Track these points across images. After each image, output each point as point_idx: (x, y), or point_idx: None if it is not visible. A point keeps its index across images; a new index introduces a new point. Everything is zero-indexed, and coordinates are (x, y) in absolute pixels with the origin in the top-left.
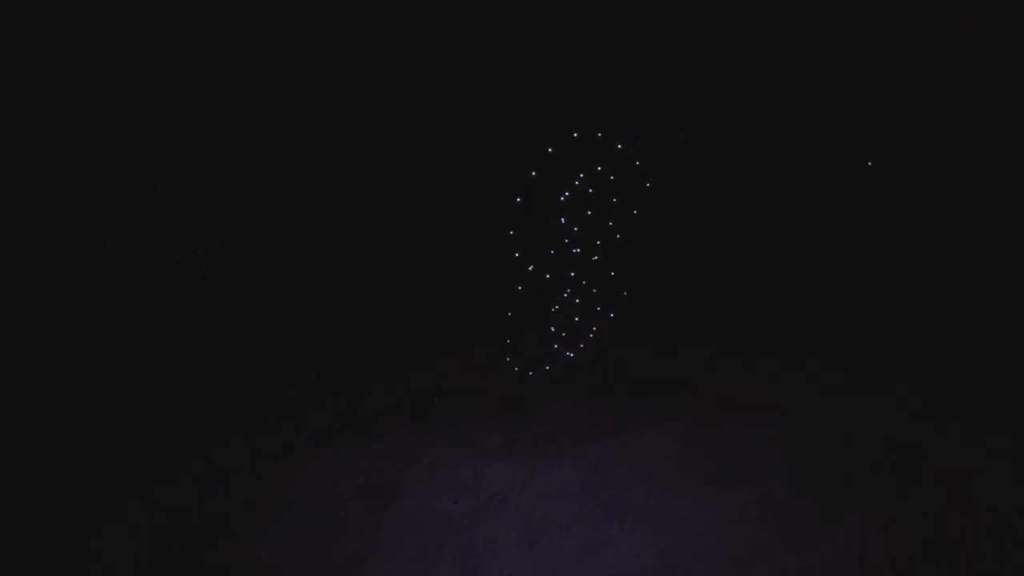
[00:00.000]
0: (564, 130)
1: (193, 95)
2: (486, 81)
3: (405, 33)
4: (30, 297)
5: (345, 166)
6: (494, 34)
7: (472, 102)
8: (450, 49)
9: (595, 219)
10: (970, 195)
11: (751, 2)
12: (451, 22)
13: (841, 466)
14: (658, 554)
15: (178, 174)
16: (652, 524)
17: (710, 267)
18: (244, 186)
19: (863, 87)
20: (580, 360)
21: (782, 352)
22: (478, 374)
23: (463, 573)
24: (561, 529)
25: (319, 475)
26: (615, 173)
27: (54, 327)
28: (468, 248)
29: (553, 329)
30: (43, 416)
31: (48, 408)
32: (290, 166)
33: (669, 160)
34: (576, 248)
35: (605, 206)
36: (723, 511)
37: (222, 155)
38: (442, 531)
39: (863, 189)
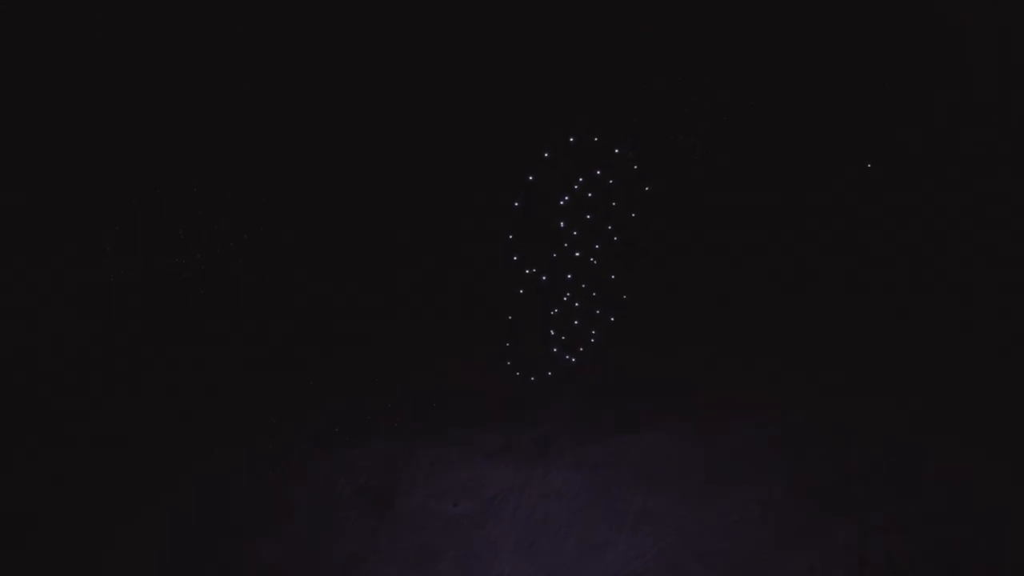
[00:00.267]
0: (562, 133)
1: (193, 95)
2: (486, 81)
3: (405, 33)
4: (30, 297)
5: (345, 166)
6: (494, 34)
7: (472, 102)
8: (450, 49)
9: (594, 222)
10: (970, 195)
11: (751, 2)
12: (451, 22)
13: (841, 467)
14: (658, 555)
15: (178, 174)
16: (652, 525)
17: (710, 268)
18: (244, 186)
19: (863, 87)
20: (580, 362)
21: (782, 353)
22: (478, 375)
23: (463, 574)
24: (561, 530)
25: (319, 476)
26: (614, 176)
27: (54, 327)
28: (468, 248)
29: (553, 332)
30: (43, 416)
31: (48, 408)
32: (290, 166)
33: (669, 160)
34: (576, 251)
35: (604, 209)
36: (723, 512)
37: (222, 155)
38: (442, 532)
39: (863, 189)
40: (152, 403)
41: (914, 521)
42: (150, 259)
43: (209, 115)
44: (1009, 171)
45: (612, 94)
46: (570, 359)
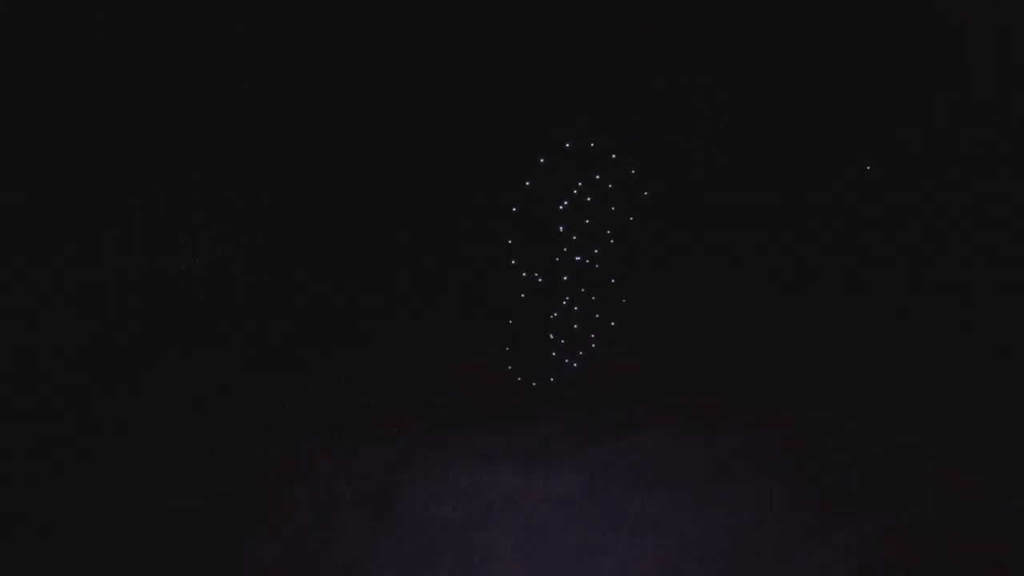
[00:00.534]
0: (559, 138)
1: (193, 95)
2: (486, 81)
3: (405, 33)
4: (30, 297)
5: (345, 166)
6: (494, 34)
7: (472, 102)
8: (450, 49)
9: (594, 226)
10: (970, 195)
11: (751, 2)
12: (451, 22)
13: (840, 470)
14: (657, 560)
15: (178, 174)
16: (651, 530)
17: (709, 269)
18: (244, 186)
19: (863, 87)
20: (580, 366)
21: (781, 355)
22: (478, 378)
23: None
24: (560, 535)
25: (319, 480)
26: (613, 180)
27: (54, 327)
28: (468, 248)
29: (552, 336)
30: (42, 416)
31: (47, 408)
32: (290, 166)
33: (669, 161)
34: (575, 255)
35: (604, 213)
36: (722, 516)
37: (222, 155)
38: (441, 537)
39: (863, 189)
40: (151, 404)
41: (914, 524)
42: (150, 259)
43: (209, 115)
44: (1009, 171)
45: (612, 94)
46: (570, 363)
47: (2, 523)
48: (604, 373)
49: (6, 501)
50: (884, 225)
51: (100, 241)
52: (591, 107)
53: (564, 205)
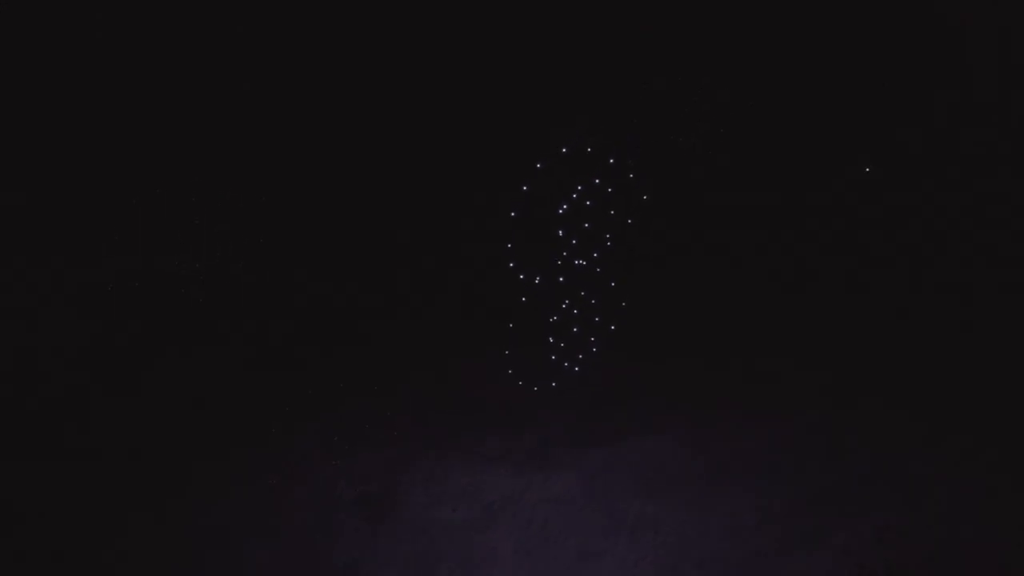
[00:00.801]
0: (559, 139)
1: (193, 95)
2: (486, 81)
3: (405, 33)
4: (30, 297)
5: (345, 168)
6: (494, 34)
7: (472, 102)
8: (450, 49)
9: (593, 230)
10: (970, 195)
11: (751, 2)
12: (451, 22)
13: (839, 472)
14: (656, 561)
15: (178, 174)
16: (650, 532)
17: (709, 272)
18: (244, 186)
19: (863, 87)
20: (579, 369)
21: (780, 358)
22: (477, 381)
23: None
24: (559, 537)
25: (319, 481)
26: (613, 183)
27: (53, 328)
28: (468, 249)
29: (552, 339)
30: (42, 417)
31: (47, 409)
32: (290, 166)
33: (669, 161)
34: (574, 259)
35: (603, 216)
36: (721, 518)
37: (222, 155)
38: (441, 539)
39: (863, 189)
40: (151, 406)
41: (914, 525)
42: (150, 260)
43: (209, 115)
44: (1009, 171)
45: (612, 94)
46: (570, 365)
47: (2, 524)
48: (604, 375)
49: (6, 502)
50: (884, 225)
51: (100, 242)
52: (591, 107)
53: (564, 208)
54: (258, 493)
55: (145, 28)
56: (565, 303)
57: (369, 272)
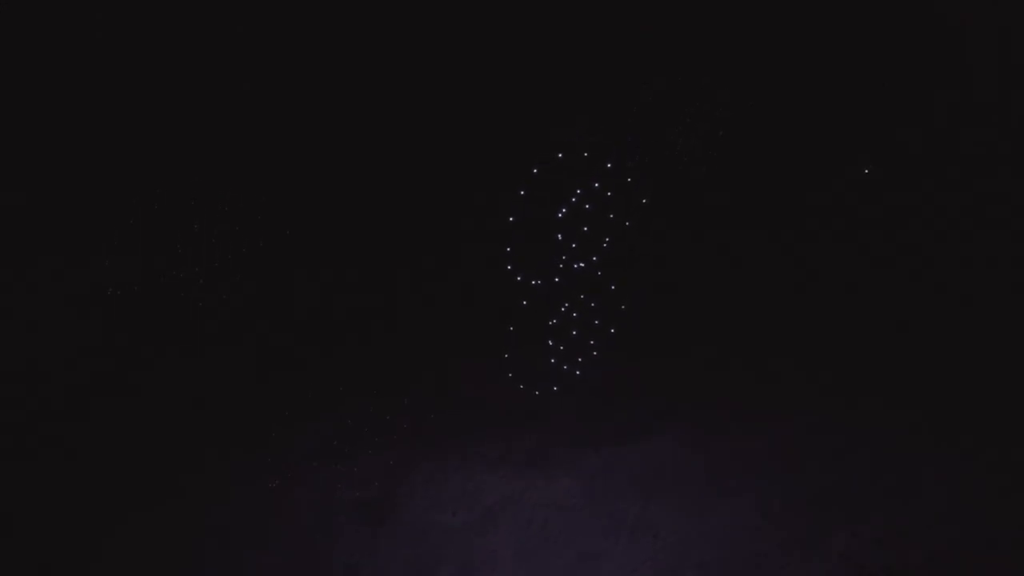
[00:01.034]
0: (559, 138)
1: (193, 95)
2: (486, 81)
3: (405, 35)
4: (29, 299)
5: (345, 168)
6: (494, 34)
7: (472, 102)
8: (450, 51)
9: (592, 233)
10: (970, 195)
11: (751, 2)
12: (451, 23)
13: (839, 475)
14: (655, 566)
15: (178, 173)
16: (650, 535)
17: (708, 273)
18: (243, 186)
19: (863, 87)
20: (579, 372)
21: (780, 361)
22: (477, 384)
23: None
24: (559, 541)
25: (319, 486)
26: (612, 187)
27: (53, 330)
28: (468, 254)
29: (551, 342)
30: (41, 422)
31: (47, 412)
32: (290, 167)
33: (668, 162)
34: (574, 262)
35: (602, 220)
36: (721, 522)
37: (221, 156)
38: (440, 543)
39: (863, 189)
40: (151, 409)
41: (912, 529)
42: (150, 263)
43: (209, 116)
44: (1009, 171)
45: (612, 94)
46: (569, 369)
47: (2, 526)
48: (603, 377)
49: (4, 503)
50: (884, 225)
51: (100, 244)
52: (591, 107)
53: (563, 212)
54: (258, 496)
55: (145, 28)
56: (565, 306)
57: (369, 275)
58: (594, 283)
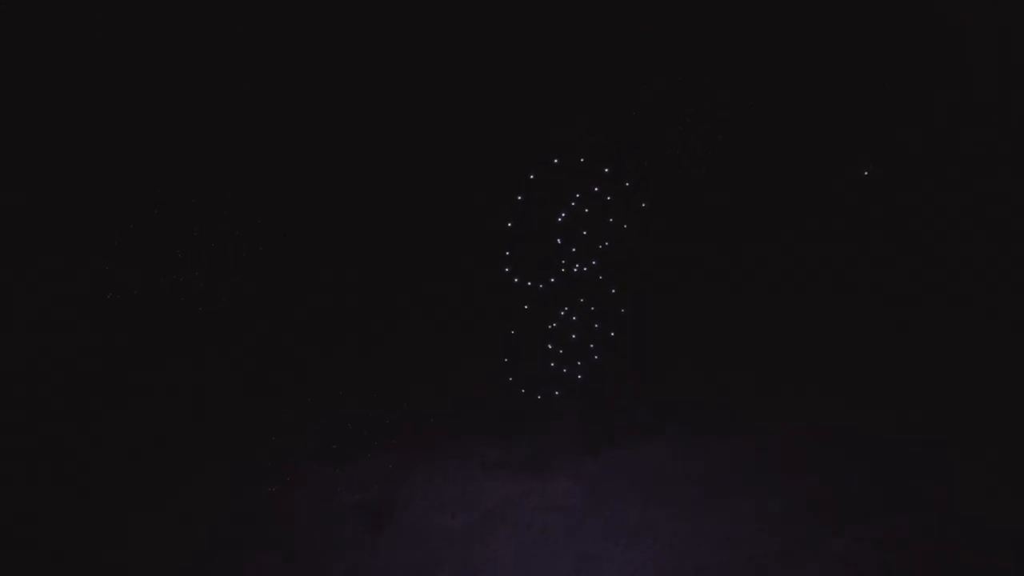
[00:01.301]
0: (555, 146)
1: (193, 95)
2: (486, 86)
3: (407, 36)
4: (29, 302)
5: (346, 175)
6: (494, 35)
7: (471, 108)
8: (451, 55)
9: (592, 238)
10: (970, 195)
11: (751, 2)
12: (451, 23)
13: (837, 480)
14: (655, 568)
15: (177, 175)
16: (649, 539)
17: (708, 279)
18: (243, 189)
19: (863, 87)
20: (579, 376)
21: (779, 366)
22: (477, 389)
23: None
24: (558, 544)
25: (319, 489)
26: (611, 192)
27: (53, 335)
28: (468, 260)
29: (551, 347)
30: (43, 427)
31: (48, 419)
32: (291, 174)
33: (667, 165)
34: (573, 267)
35: (602, 224)
36: (720, 525)
37: (221, 157)
38: (440, 546)
39: (863, 189)
40: (151, 415)
41: (912, 532)
42: (150, 265)
43: (209, 116)
44: (1009, 171)
45: (612, 94)
46: (569, 373)
47: (5, 528)
48: (603, 382)
49: (9, 507)
50: (884, 225)
51: (101, 248)
52: (591, 107)
53: (563, 216)
54: (258, 500)
55: (145, 28)
56: (564, 310)
57: (369, 279)
58: (594, 287)
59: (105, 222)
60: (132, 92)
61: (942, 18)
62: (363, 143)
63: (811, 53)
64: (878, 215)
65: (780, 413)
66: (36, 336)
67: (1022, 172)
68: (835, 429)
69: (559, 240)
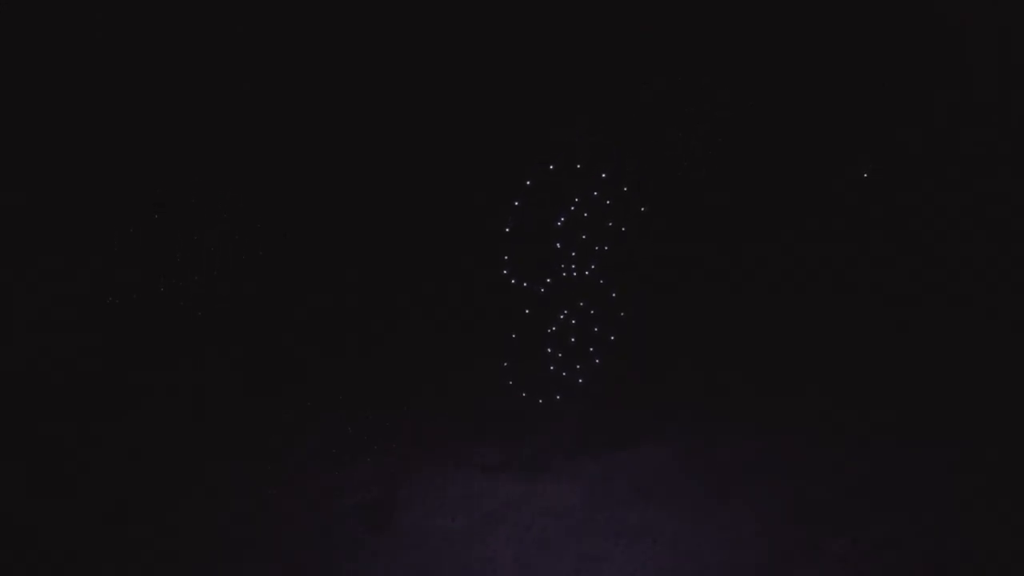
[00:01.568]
0: (559, 139)
1: (193, 95)
2: (486, 85)
3: (406, 37)
4: (29, 302)
5: (346, 177)
6: (493, 35)
7: (471, 109)
8: (450, 51)
9: (591, 241)
10: (970, 195)
11: (751, 2)
12: (451, 24)
13: (837, 482)
14: (655, 570)
15: (177, 176)
16: (648, 542)
17: (708, 281)
18: (242, 191)
19: (863, 87)
20: (579, 379)
21: (779, 369)
22: (477, 391)
23: None
24: (558, 547)
25: (318, 493)
26: (610, 194)
27: (53, 338)
28: (468, 261)
29: (550, 350)
30: (41, 431)
31: (47, 423)
32: (290, 176)
33: (667, 167)
34: (573, 270)
35: (601, 228)
36: (720, 528)
37: (220, 160)
38: (440, 548)
39: (863, 189)
40: (150, 418)
41: (910, 536)
42: (149, 269)
43: (209, 117)
44: (1009, 171)
45: (612, 94)
46: (569, 376)
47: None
48: (603, 385)
49: (7, 512)
50: (884, 225)
51: (101, 251)
52: (591, 107)
53: (562, 220)
54: (257, 504)
55: (145, 28)
56: (564, 313)
57: (369, 282)
58: (594, 290)
59: (105, 222)
60: (132, 92)
61: (942, 18)
62: (363, 143)
63: (811, 53)
64: (878, 215)
65: (780, 414)
66: (36, 336)
67: (1022, 172)
68: (835, 430)
69: (558, 244)
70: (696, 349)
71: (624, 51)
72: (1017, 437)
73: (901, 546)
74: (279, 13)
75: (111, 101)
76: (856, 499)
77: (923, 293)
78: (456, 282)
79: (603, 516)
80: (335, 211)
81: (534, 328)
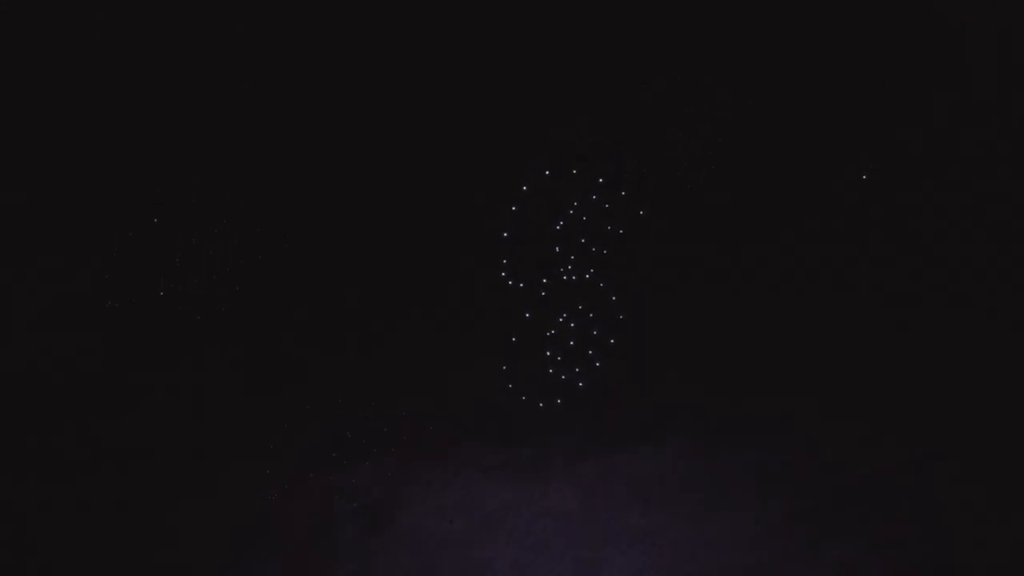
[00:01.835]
0: (559, 139)
1: (193, 95)
2: (486, 85)
3: (406, 37)
4: (29, 302)
5: (344, 178)
6: (493, 34)
7: (471, 109)
8: (449, 52)
9: (591, 243)
10: (970, 195)
11: (751, 2)
12: (450, 24)
13: (836, 486)
14: (655, 573)
15: (176, 177)
16: (647, 545)
17: (708, 283)
18: (242, 194)
19: (863, 87)
20: (578, 381)
21: (779, 371)
22: (475, 394)
23: None
24: (557, 550)
25: (317, 496)
26: (609, 196)
27: (52, 340)
28: (467, 262)
29: (550, 353)
30: (39, 432)
31: (45, 424)
32: (289, 177)
33: (669, 162)
34: (573, 273)
35: (600, 231)
36: (720, 530)
37: (219, 162)
38: (438, 552)
39: (863, 189)
40: (148, 420)
41: (909, 540)
42: (151, 273)
43: (209, 116)
44: (1009, 171)
45: (612, 94)
46: (568, 379)
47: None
48: (602, 388)
49: (6, 515)
50: (884, 225)
51: (100, 252)
52: (591, 107)
53: (560, 224)
54: (257, 507)
55: (145, 28)
56: (563, 316)
57: (367, 285)
58: (593, 293)
59: (105, 223)
60: (132, 92)
61: (942, 18)
62: (363, 144)
63: (811, 53)
64: (878, 215)
65: (780, 419)
66: (36, 336)
67: (1022, 172)
68: (836, 434)
69: (557, 248)
70: (696, 351)
71: (624, 51)
72: (1018, 439)
73: (901, 549)
74: (279, 13)
75: (111, 101)
76: (856, 502)
77: (923, 293)
78: (456, 282)
79: (602, 519)
80: (335, 211)
81: (534, 330)
